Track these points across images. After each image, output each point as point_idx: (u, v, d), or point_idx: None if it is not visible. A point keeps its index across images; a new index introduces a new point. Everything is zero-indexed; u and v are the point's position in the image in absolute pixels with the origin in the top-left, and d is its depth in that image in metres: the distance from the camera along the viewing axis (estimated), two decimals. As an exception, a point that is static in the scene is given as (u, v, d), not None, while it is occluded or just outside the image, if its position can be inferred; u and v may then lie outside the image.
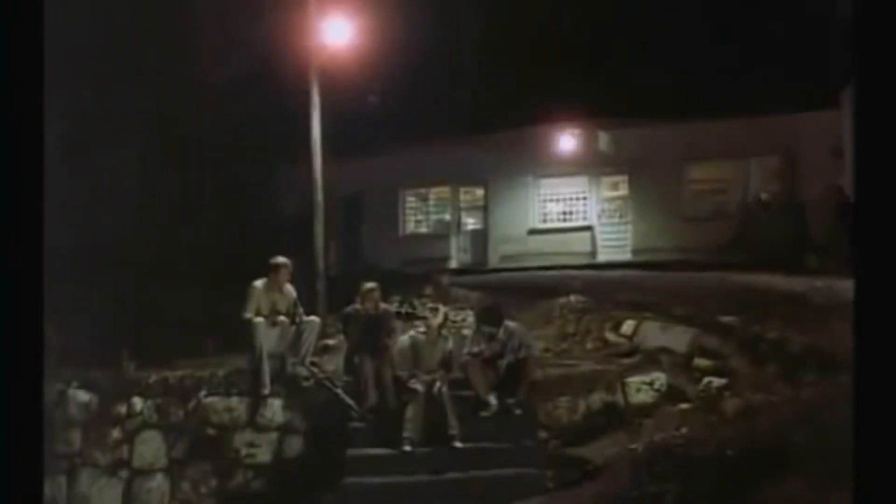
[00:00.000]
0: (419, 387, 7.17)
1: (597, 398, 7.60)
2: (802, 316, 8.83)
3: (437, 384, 7.18)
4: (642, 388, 7.65)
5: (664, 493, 5.45)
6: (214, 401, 7.84)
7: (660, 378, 7.75)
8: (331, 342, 9.25)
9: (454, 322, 10.75)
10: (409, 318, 10.12)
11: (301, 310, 8.21)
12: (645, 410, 7.47)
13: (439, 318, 7.89)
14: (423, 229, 21.65)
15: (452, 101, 18.23)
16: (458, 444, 6.89)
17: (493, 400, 7.19)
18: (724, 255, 15.74)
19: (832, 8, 11.92)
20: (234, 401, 7.79)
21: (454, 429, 6.93)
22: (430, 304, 8.50)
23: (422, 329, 7.79)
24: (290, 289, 8.18)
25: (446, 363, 7.58)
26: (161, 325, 10.81)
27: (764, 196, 17.47)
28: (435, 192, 21.64)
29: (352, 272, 15.70)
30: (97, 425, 8.01)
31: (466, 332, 9.55)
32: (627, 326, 9.28)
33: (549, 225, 20.03)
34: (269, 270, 8.07)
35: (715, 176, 19.16)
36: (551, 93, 17.29)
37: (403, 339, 7.79)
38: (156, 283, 12.69)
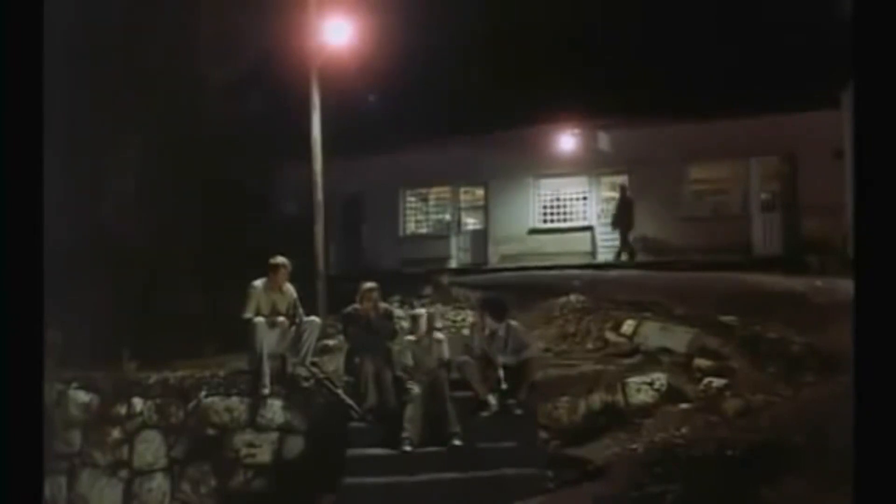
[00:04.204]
0: (415, 388, 7.17)
1: (597, 398, 7.60)
2: (802, 316, 8.85)
3: (439, 384, 7.18)
4: (642, 388, 7.64)
5: (665, 493, 5.45)
6: (214, 401, 7.83)
7: (660, 378, 7.74)
8: (331, 342, 9.26)
9: (454, 322, 10.76)
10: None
11: (301, 310, 8.21)
12: (645, 411, 7.45)
13: (424, 326, 7.78)
14: (423, 229, 21.65)
15: (452, 101, 18.21)
16: (457, 442, 6.87)
17: (492, 400, 7.18)
18: (724, 254, 15.76)
19: (832, 8, 11.92)
20: (235, 401, 7.79)
21: (455, 428, 6.92)
22: (413, 312, 8.35)
23: (411, 337, 7.77)
24: (289, 289, 8.18)
25: (443, 364, 7.58)
26: (161, 325, 10.83)
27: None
28: (435, 192, 21.64)
29: (352, 272, 15.71)
30: (97, 425, 8.01)
31: (466, 332, 9.57)
32: (627, 326, 9.28)
33: (549, 225, 20.02)
34: (268, 270, 8.07)
35: (715, 176, 19.16)
36: (551, 93, 17.26)
37: (402, 343, 7.79)
38: (156, 284, 12.70)
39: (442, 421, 6.98)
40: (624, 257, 17.82)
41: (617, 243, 18.45)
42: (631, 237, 18.16)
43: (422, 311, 8.32)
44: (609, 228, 18.64)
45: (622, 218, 18.14)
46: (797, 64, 15.16)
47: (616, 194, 19.05)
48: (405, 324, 9.97)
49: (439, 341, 7.72)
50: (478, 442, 6.93)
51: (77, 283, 10.34)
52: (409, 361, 7.48)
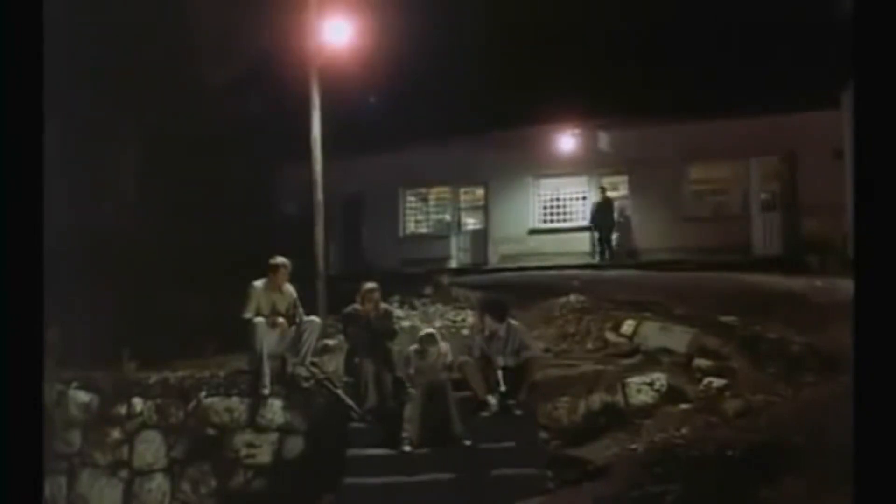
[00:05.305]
0: (413, 390, 7.17)
1: (597, 398, 7.59)
2: (802, 316, 8.85)
3: (440, 384, 7.18)
4: (643, 388, 7.63)
5: (665, 493, 5.45)
6: (214, 401, 7.83)
7: (660, 378, 7.74)
8: (331, 342, 9.25)
9: (454, 322, 10.75)
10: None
11: (301, 310, 8.20)
12: (645, 411, 7.45)
13: (436, 350, 7.63)
14: (423, 229, 21.65)
15: (452, 101, 18.21)
16: (467, 442, 6.85)
17: (492, 400, 7.18)
18: (724, 254, 15.76)
19: (832, 8, 11.91)
20: (235, 401, 7.78)
21: (459, 429, 6.92)
22: (426, 331, 8.16)
23: (416, 346, 7.72)
24: (289, 289, 8.17)
25: (446, 366, 7.58)
26: (161, 325, 10.82)
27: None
28: (435, 192, 21.65)
29: (352, 272, 15.71)
30: (97, 425, 8.00)
31: (466, 332, 9.57)
32: (627, 326, 9.27)
33: (549, 225, 20.02)
34: (268, 270, 8.07)
35: (715, 176, 19.16)
36: (551, 93, 17.26)
37: (407, 353, 7.74)
38: (156, 284, 12.70)
39: (445, 422, 6.98)
40: (607, 257, 17.93)
41: (616, 244, 18.50)
42: (614, 237, 18.25)
43: (432, 330, 8.21)
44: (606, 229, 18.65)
45: (602, 218, 18.20)
46: (797, 64, 15.16)
47: (617, 194, 19.09)
48: (406, 323, 10.00)
49: (444, 353, 7.70)
50: (478, 442, 6.93)
51: (77, 283, 10.33)
52: (412, 370, 7.48)
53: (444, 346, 7.81)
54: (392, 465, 6.84)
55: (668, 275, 13.66)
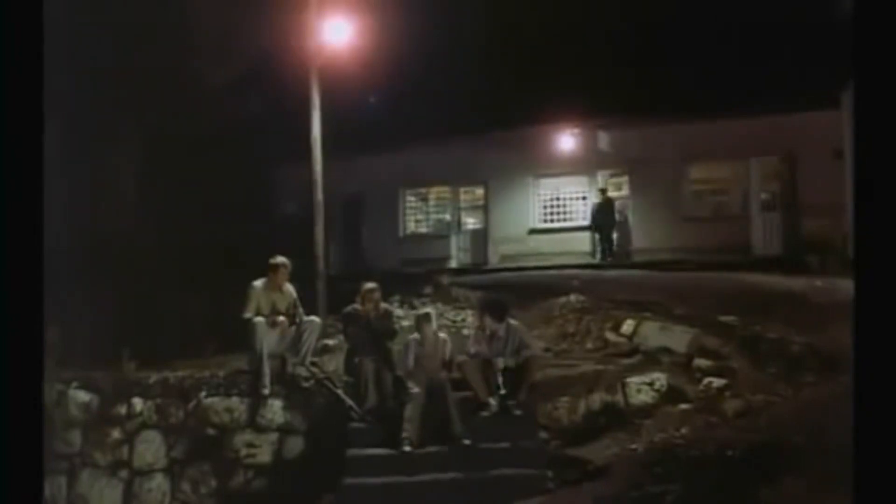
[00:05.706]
0: (415, 389, 7.18)
1: (597, 398, 7.59)
2: (802, 316, 8.86)
3: (440, 384, 7.18)
4: (642, 388, 7.63)
5: (665, 493, 5.45)
6: (214, 401, 7.83)
7: (660, 378, 7.74)
8: (331, 342, 9.26)
9: (454, 322, 10.75)
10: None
11: (301, 310, 8.20)
12: (645, 411, 7.45)
13: (430, 328, 7.76)
14: (423, 229, 21.65)
15: (452, 101, 18.21)
16: (467, 441, 6.86)
17: (492, 400, 7.18)
18: (724, 254, 15.76)
19: (832, 8, 11.91)
20: (235, 401, 7.79)
21: (459, 429, 6.92)
22: (419, 312, 8.25)
23: (416, 336, 7.75)
24: (289, 288, 8.17)
25: (446, 364, 7.59)
26: (161, 325, 10.83)
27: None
28: (435, 192, 21.65)
29: (352, 272, 15.71)
30: (97, 425, 8.00)
31: (466, 331, 9.57)
32: (627, 326, 9.27)
33: (549, 225, 20.02)
34: (268, 270, 8.07)
35: (715, 176, 19.16)
36: (551, 93, 17.26)
37: (406, 341, 7.77)
38: (156, 284, 12.70)
39: (445, 422, 6.98)
40: (607, 257, 17.94)
41: (616, 244, 18.50)
42: (614, 237, 18.26)
43: (428, 310, 8.27)
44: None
45: (602, 218, 18.21)
46: (797, 64, 15.16)
47: (617, 193, 19.08)
48: (406, 323, 10.00)
49: (444, 341, 7.72)
50: (478, 442, 6.92)
51: (77, 283, 10.34)
52: (411, 363, 7.48)
53: (442, 335, 7.86)
54: (392, 465, 6.84)
55: (668, 275, 13.66)
